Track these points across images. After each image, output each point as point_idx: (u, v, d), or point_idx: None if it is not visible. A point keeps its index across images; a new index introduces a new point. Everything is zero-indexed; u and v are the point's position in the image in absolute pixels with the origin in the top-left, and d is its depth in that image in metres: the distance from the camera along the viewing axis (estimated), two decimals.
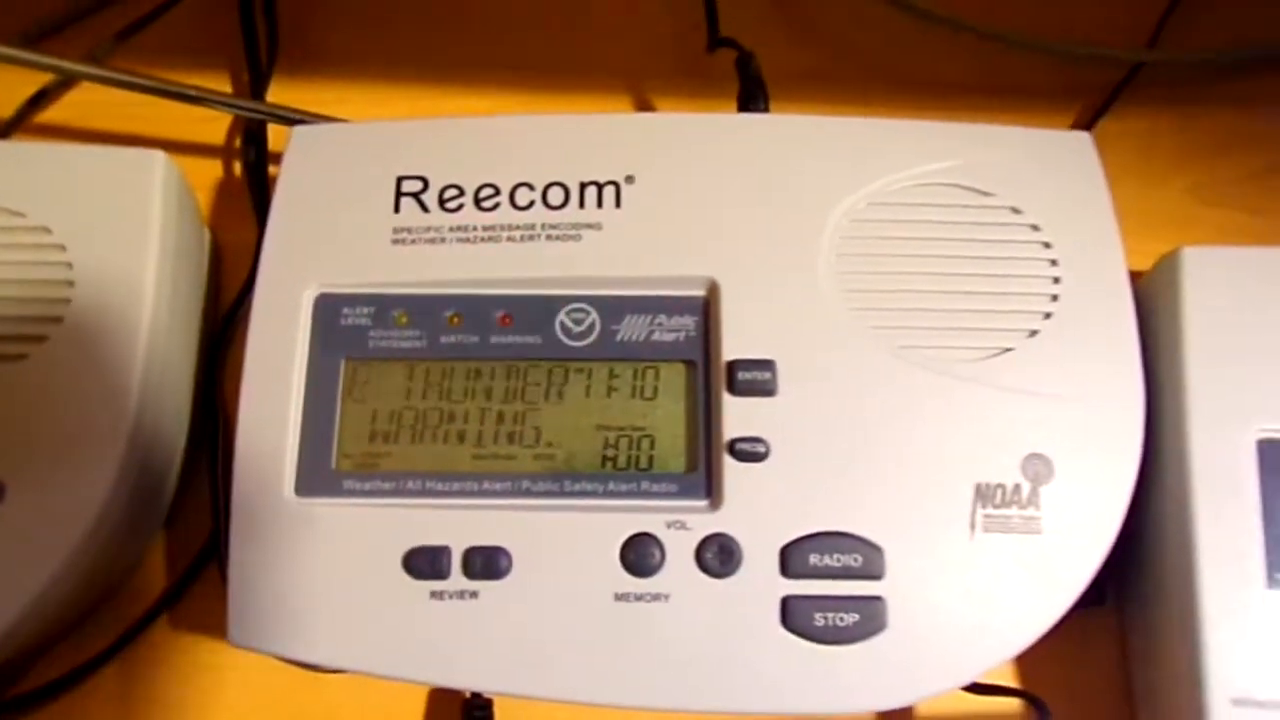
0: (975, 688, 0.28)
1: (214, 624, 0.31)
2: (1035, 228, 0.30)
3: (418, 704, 0.32)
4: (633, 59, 0.39)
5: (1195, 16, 0.40)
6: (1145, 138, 0.38)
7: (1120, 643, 0.31)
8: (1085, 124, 0.38)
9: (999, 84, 0.39)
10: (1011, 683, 0.31)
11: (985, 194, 0.30)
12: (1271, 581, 0.27)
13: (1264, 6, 0.40)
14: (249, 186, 0.37)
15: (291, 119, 0.34)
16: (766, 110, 0.34)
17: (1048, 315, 0.29)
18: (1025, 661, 0.31)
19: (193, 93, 0.34)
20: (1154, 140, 0.38)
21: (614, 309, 0.30)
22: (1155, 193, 0.37)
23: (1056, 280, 0.29)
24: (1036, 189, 0.30)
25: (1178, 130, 0.38)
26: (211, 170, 0.38)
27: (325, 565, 0.27)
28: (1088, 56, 0.38)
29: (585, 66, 0.39)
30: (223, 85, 0.39)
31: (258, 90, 0.39)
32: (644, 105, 0.39)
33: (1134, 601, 0.31)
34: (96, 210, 0.31)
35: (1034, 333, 0.29)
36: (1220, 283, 0.29)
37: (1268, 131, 0.38)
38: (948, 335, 0.29)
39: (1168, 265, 0.30)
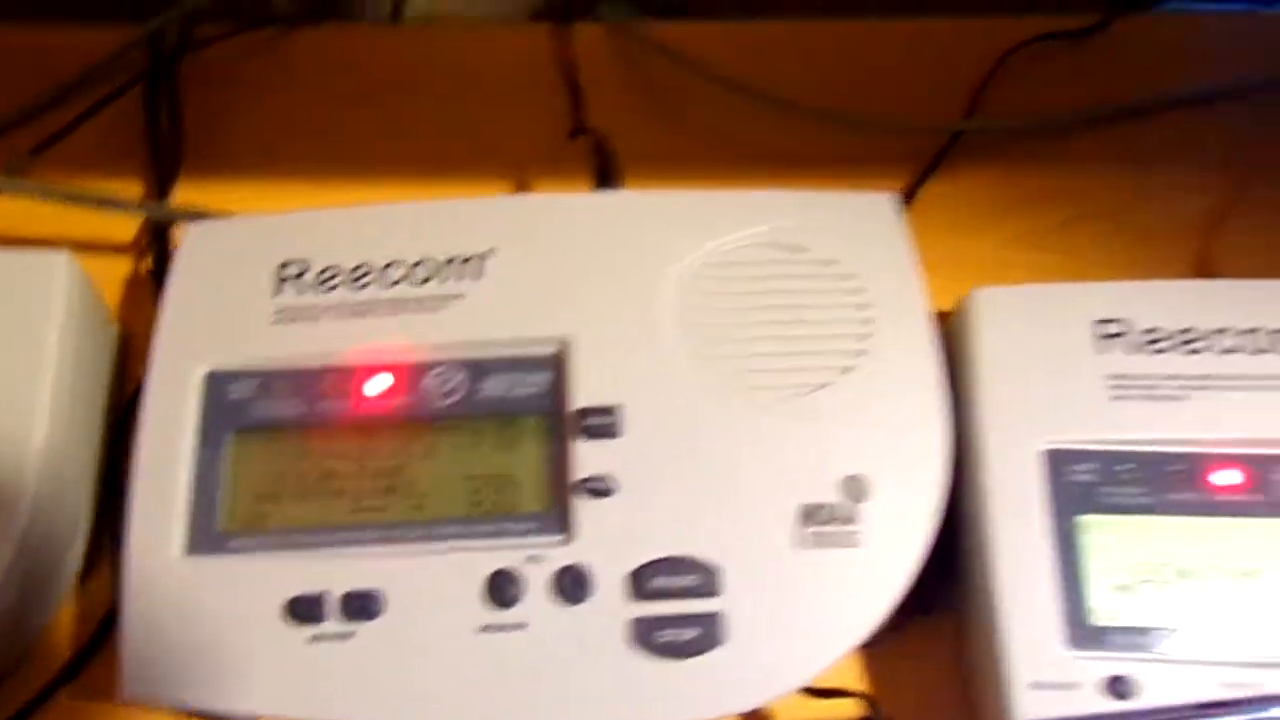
0: (814, 691, 0.31)
1: (113, 693, 0.33)
2: (846, 277, 0.34)
3: None
4: (505, 150, 0.43)
5: (1007, 87, 0.45)
6: (967, 195, 0.43)
7: (955, 648, 0.34)
8: (912, 187, 0.43)
9: (834, 156, 0.43)
10: (861, 689, 0.33)
11: (801, 250, 0.34)
12: (1063, 576, 0.30)
13: (1067, 78, 0.45)
14: (155, 282, 0.40)
15: (193, 217, 0.38)
16: (619, 187, 0.39)
17: (860, 352, 0.33)
18: (872, 671, 0.34)
19: (101, 199, 0.38)
20: (975, 197, 0.43)
21: (477, 370, 0.33)
22: (978, 243, 0.42)
23: (867, 321, 0.33)
24: (847, 243, 0.35)
25: (997, 187, 0.43)
26: (122, 268, 0.41)
27: (212, 617, 0.30)
28: (911, 129, 0.43)
29: (464, 159, 0.43)
30: (135, 188, 0.43)
31: (164, 192, 0.42)
32: (517, 189, 0.43)
33: (959, 606, 0.34)
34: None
35: (849, 369, 0.33)
36: (1009, 316, 0.34)
37: (1075, 185, 0.43)
38: (772, 375, 0.33)
39: (965, 304, 0.34)
